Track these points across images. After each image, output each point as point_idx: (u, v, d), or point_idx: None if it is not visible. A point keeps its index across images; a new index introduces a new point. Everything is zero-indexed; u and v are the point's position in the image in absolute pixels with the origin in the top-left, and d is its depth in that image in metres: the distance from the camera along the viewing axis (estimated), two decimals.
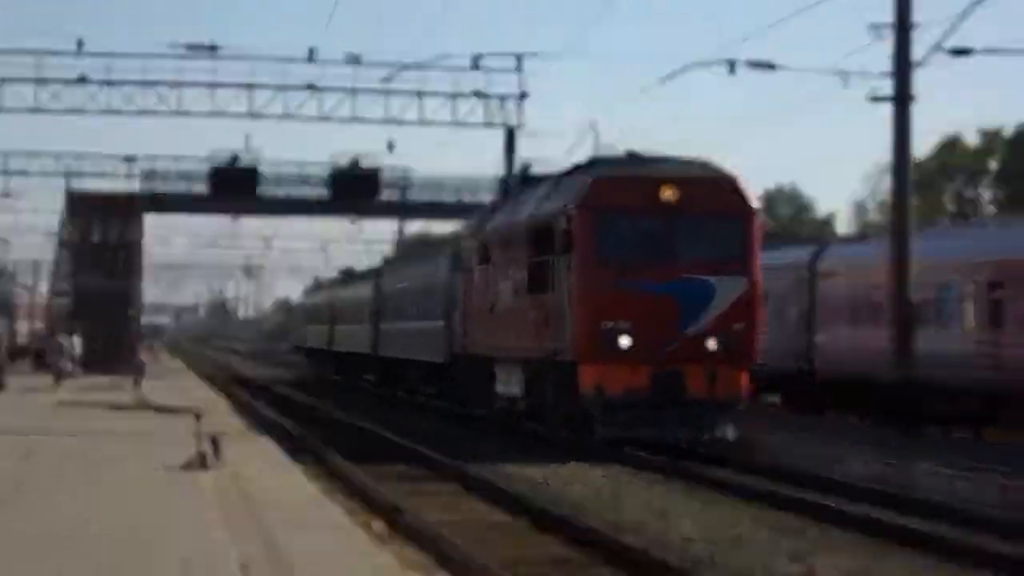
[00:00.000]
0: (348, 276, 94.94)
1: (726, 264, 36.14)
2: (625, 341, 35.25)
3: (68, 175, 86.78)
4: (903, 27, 43.79)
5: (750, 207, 37.80)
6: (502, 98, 75.00)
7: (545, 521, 25.18)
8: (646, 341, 35.13)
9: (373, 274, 79.41)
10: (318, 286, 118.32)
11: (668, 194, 36.26)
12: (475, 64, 73.23)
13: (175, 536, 20.23)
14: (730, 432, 35.80)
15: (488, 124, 76.55)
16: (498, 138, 78.05)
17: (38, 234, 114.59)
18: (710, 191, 37.23)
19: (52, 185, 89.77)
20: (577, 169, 40.97)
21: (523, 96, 74.82)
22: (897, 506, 28.83)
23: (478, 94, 74.81)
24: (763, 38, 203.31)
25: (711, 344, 35.55)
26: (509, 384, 43.67)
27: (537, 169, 71.52)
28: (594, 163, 40.10)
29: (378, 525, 24.72)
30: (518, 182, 56.08)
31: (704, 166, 38.92)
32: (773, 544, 23.41)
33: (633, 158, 39.57)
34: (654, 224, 36.25)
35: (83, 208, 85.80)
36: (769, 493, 30.15)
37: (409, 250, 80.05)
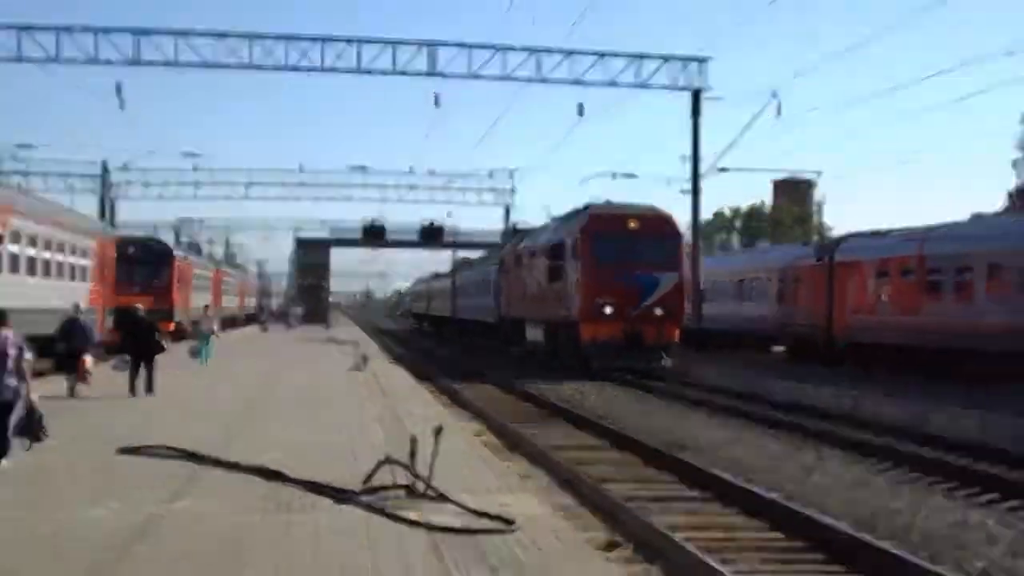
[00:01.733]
0: (436, 276, 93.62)
1: (665, 266, 33.96)
2: (608, 310, 33.01)
3: (295, 229, 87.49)
4: (695, 158, 43.80)
5: (679, 233, 35.65)
6: (502, 191, 75.23)
7: (526, 397, 26.44)
8: (620, 310, 33.00)
9: (451, 274, 77.68)
10: (420, 281, 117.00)
11: (633, 225, 34.06)
12: (491, 174, 73.76)
13: (345, 399, 20.92)
14: (668, 363, 33.64)
15: (496, 204, 76.78)
16: (500, 210, 78.79)
17: (283, 260, 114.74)
18: (657, 223, 34.65)
19: (287, 235, 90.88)
20: (578, 212, 37.63)
21: (513, 190, 75.09)
22: (694, 387, 29.62)
23: (491, 190, 74.98)
24: (630, 160, 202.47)
25: (658, 311, 33.38)
26: (535, 335, 40.36)
27: (521, 226, 71.78)
28: (588, 207, 36.98)
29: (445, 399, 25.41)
30: (525, 230, 53.22)
31: (652, 208, 36.29)
32: (640, 410, 24.02)
33: (610, 204, 37.26)
34: (625, 242, 33.51)
35: (302, 245, 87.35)
36: (639, 384, 30.35)
37: (467, 262, 78.78)
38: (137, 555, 7.91)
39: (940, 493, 14.15)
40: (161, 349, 21.54)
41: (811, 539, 10.70)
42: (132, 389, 20.48)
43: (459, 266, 76.50)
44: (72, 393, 19.76)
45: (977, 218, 36.69)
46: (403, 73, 40.50)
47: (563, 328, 35.58)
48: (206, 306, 40.13)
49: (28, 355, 11.93)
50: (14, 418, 11.82)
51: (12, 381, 11.64)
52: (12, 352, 11.69)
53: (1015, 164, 61.73)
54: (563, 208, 48.72)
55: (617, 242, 33.40)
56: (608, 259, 33.20)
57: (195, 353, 30.09)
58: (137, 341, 20.88)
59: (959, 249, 31.24)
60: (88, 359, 19.39)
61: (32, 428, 12.02)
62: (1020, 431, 18.59)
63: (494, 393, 28.65)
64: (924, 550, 10.51)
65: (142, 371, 20.76)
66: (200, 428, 15.71)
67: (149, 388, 20.62)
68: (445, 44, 40.58)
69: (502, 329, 48.81)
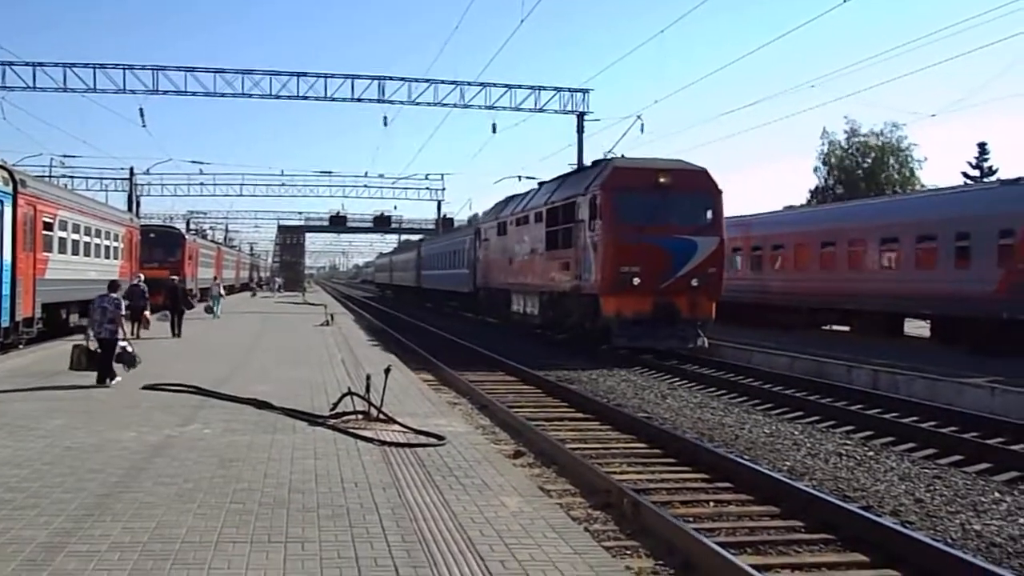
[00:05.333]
0: (398, 249, 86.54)
1: (704, 228, 22.98)
2: (636, 280, 22.17)
3: (279, 220, 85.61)
4: (580, 165, 43.43)
5: (718, 189, 23.45)
6: (435, 189, 73.34)
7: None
8: (650, 280, 22.29)
9: (416, 246, 65.51)
10: (382, 255, 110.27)
11: (664, 180, 22.81)
12: (426, 176, 71.33)
13: (317, 345, 20.44)
14: (705, 342, 22.65)
15: (431, 199, 74.62)
16: (434, 204, 76.56)
17: (269, 241, 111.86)
18: (692, 177, 23.43)
19: (272, 223, 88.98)
20: (593, 166, 26.90)
21: (443, 189, 73.38)
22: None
23: (427, 188, 72.69)
24: (541, 162, 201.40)
25: (694, 282, 22.49)
26: (525, 306, 29.60)
27: (449, 217, 70.65)
28: (603, 161, 25.91)
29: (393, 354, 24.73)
30: (509, 197, 35.59)
31: (681, 162, 24.57)
32: (544, 352, 22.39)
33: (626, 159, 25.27)
34: (655, 200, 22.54)
35: (284, 231, 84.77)
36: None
37: (409, 242, 73.92)
38: (159, 460, 7.78)
39: (759, 412, 14.49)
40: (190, 307, 26.28)
41: (665, 447, 10.86)
42: (172, 333, 23.18)
43: (419, 241, 70.11)
44: (135, 335, 21.27)
45: (788, 208, 37.48)
46: (359, 100, 39.93)
47: (573, 299, 24.99)
48: (215, 276, 40.96)
49: (122, 310, 13.60)
50: (117, 351, 13.34)
51: (112, 326, 13.29)
52: (111, 307, 13.32)
53: (815, 170, 63.43)
54: (485, 201, 45.48)
55: (646, 200, 22.89)
56: (636, 220, 22.78)
57: (209, 310, 33.02)
58: (174, 301, 23.91)
59: (776, 231, 31.86)
60: (147, 313, 21.29)
61: (128, 359, 13.53)
62: (819, 367, 19.09)
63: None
64: (748, 454, 10.76)
65: (176, 321, 23.73)
66: (213, 362, 16.73)
67: (179, 333, 23.31)
68: (391, 78, 40.08)
69: (477, 299, 37.95)
